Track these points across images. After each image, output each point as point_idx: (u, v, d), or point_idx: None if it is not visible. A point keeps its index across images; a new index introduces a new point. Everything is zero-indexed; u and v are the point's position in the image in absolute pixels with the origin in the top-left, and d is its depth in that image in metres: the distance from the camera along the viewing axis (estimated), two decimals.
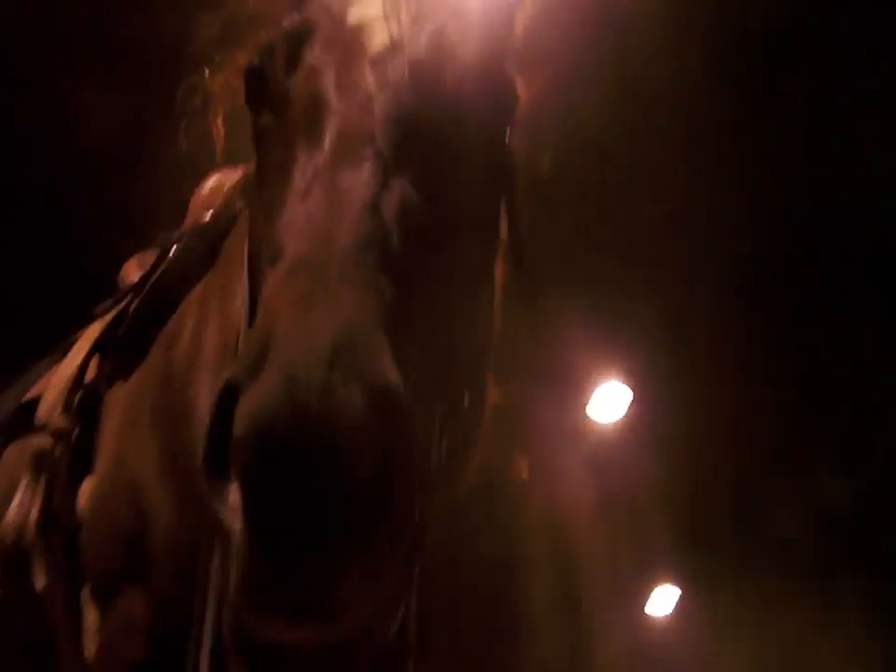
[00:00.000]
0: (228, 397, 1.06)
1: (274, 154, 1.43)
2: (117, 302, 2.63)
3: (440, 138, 1.37)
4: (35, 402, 2.50)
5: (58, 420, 2.25)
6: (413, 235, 1.26)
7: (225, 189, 2.62)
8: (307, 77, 1.40)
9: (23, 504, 2.16)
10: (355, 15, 1.44)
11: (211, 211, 2.53)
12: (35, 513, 2.14)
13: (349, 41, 1.41)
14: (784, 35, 5.55)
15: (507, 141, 1.56)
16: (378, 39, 1.40)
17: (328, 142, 1.30)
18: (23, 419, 2.50)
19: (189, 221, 2.70)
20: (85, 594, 2.06)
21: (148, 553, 1.92)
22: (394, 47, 1.39)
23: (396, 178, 1.28)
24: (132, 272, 2.98)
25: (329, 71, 1.38)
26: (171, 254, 2.41)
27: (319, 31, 1.44)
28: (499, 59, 1.53)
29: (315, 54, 1.42)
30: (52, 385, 2.46)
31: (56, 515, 2.15)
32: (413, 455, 1.05)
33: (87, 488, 2.15)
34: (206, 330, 2.06)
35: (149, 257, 3.01)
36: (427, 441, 1.27)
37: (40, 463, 2.19)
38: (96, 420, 2.24)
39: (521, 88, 1.55)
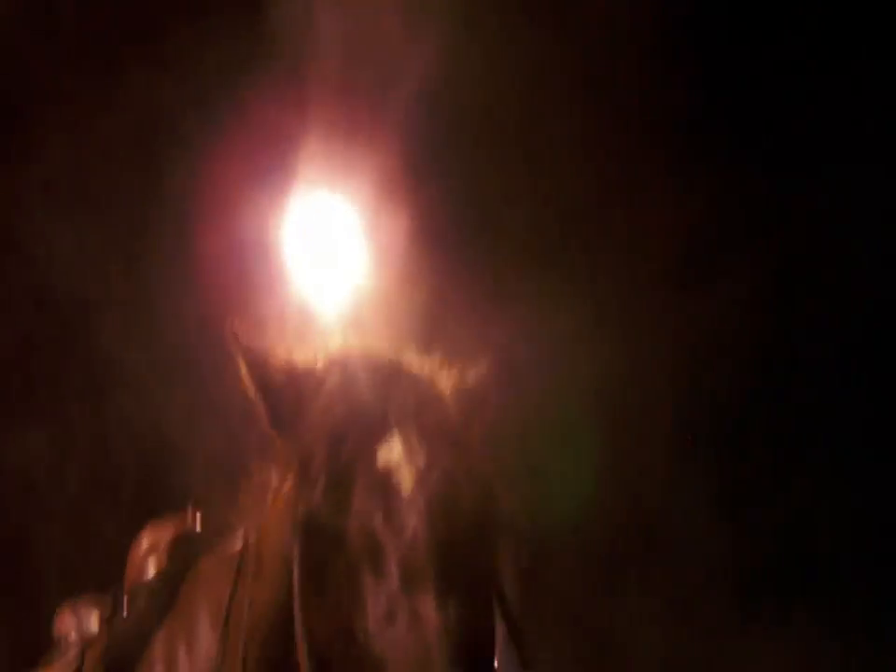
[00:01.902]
0: None
1: (333, 573, 1.84)
2: (63, 655, 2.83)
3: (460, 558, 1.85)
4: None
5: None
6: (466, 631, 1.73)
7: (161, 546, 2.96)
8: (361, 524, 1.84)
9: None
10: (383, 461, 1.92)
11: (153, 569, 2.85)
12: None
13: (384, 486, 1.88)
14: None
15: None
16: (407, 482, 1.88)
17: (394, 577, 1.75)
18: None
19: (130, 578, 3.00)
20: None
21: None
22: (420, 487, 1.87)
23: (449, 600, 1.74)
24: (67, 626, 3.20)
25: (378, 514, 1.84)
26: (127, 610, 2.70)
27: (358, 482, 1.89)
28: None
29: (362, 504, 1.86)
30: None
31: None
32: None
33: None
34: None
35: (85, 605, 3.26)
36: None
37: None
38: None
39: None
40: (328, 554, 1.87)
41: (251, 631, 2.26)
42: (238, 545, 2.58)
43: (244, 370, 2.17)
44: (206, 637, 2.41)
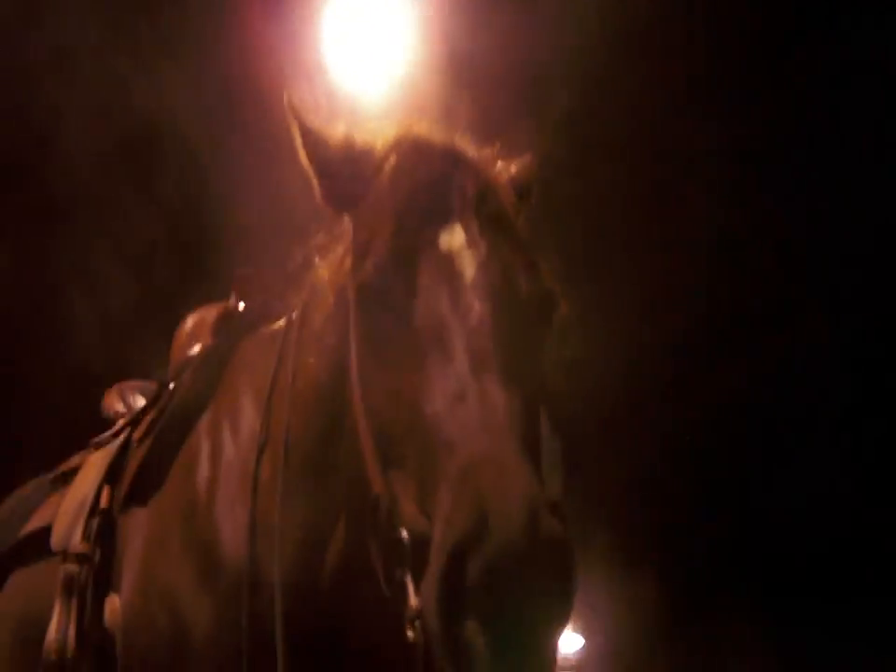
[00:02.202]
0: (458, 553, 1.49)
1: (399, 348, 1.84)
2: (116, 433, 2.89)
3: (522, 346, 1.85)
4: (44, 530, 2.73)
5: (80, 546, 2.50)
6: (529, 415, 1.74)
7: (207, 325, 2.96)
8: (427, 300, 1.83)
9: (61, 624, 2.40)
10: (445, 244, 1.89)
11: (199, 345, 2.85)
12: (72, 632, 2.39)
13: (448, 269, 1.86)
14: None
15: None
16: (470, 267, 1.86)
17: (461, 357, 1.74)
18: (34, 547, 2.73)
19: (175, 355, 3.02)
20: None
21: (188, 654, 2.21)
22: (482, 271, 1.85)
23: (511, 383, 1.72)
24: (114, 402, 3.26)
25: (444, 298, 1.82)
26: (174, 386, 2.72)
27: (421, 262, 1.87)
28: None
29: (426, 284, 1.85)
30: (62, 513, 2.70)
31: (89, 632, 2.41)
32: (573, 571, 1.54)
33: (112, 605, 2.42)
34: (222, 458, 2.39)
35: (132, 386, 3.31)
36: None
37: (70, 586, 2.45)
38: (114, 544, 2.53)
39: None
40: (390, 329, 1.87)
41: (295, 404, 2.27)
42: (281, 322, 2.57)
43: (300, 142, 2.15)
44: (250, 413, 2.43)
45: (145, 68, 5.75)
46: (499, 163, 2.22)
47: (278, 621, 2.09)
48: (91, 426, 3.20)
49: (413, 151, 2.09)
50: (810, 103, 6.27)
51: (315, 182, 2.15)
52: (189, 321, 3.05)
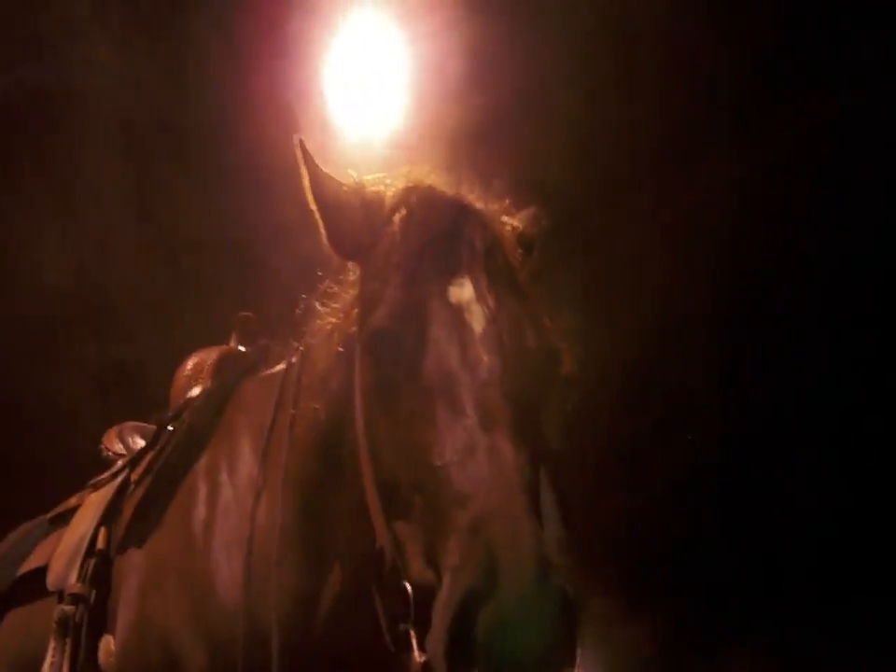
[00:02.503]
0: (467, 605, 1.50)
1: (406, 398, 1.85)
2: (114, 474, 2.91)
3: (529, 401, 1.87)
4: (40, 570, 2.74)
5: (76, 587, 2.51)
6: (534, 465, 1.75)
7: (207, 367, 2.99)
8: (438, 352, 1.85)
9: (54, 664, 2.41)
10: (455, 297, 1.92)
11: (199, 387, 2.88)
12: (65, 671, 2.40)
13: (459, 321, 1.88)
14: None
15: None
16: (479, 321, 1.88)
17: (470, 411, 1.76)
18: (31, 586, 2.74)
19: (175, 397, 3.04)
20: None
21: None
22: (491, 325, 1.88)
23: (520, 438, 1.75)
24: (113, 442, 3.28)
25: (454, 351, 1.84)
26: (173, 428, 2.74)
27: (432, 314, 1.90)
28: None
29: (437, 335, 1.87)
30: (59, 554, 2.71)
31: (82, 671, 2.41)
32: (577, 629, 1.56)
33: (107, 644, 2.42)
34: (219, 501, 2.41)
35: (131, 427, 3.34)
36: None
37: (65, 626, 2.45)
38: (109, 585, 2.53)
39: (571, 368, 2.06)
40: (399, 379, 1.88)
41: (293, 449, 2.29)
42: (281, 366, 2.60)
43: (308, 185, 2.16)
44: (248, 456, 2.45)
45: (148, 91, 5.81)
46: (506, 217, 2.25)
47: (275, 665, 2.10)
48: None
49: (423, 203, 2.12)
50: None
51: (321, 227, 2.16)
52: (189, 363, 3.07)
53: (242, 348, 3.13)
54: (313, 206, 2.16)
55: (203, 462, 2.53)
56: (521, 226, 2.29)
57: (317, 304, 2.33)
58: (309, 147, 2.17)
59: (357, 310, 2.12)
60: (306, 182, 2.16)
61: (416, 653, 1.61)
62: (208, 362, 3.00)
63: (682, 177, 6.40)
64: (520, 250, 2.20)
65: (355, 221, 2.15)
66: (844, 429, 7.68)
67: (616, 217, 6.30)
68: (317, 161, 2.18)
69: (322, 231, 2.17)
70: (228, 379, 2.77)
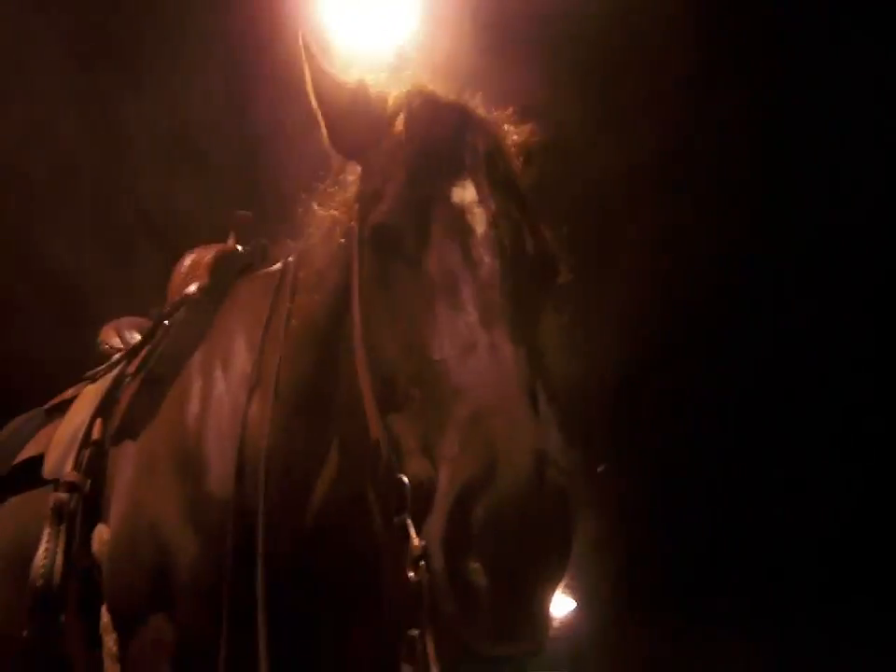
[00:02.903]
0: (466, 494, 1.53)
1: (406, 293, 1.88)
2: (111, 367, 2.93)
3: (527, 303, 1.90)
4: (36, 459, 2.78)
5: (71, 475, 2.55)
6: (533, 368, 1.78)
7: (204, 264, 2.98)
8: (439, 250, 1.87)
9: (49, 550, 2.46)
10: (458, 198, 1.93)
11: (196, 285, 2.88)
12: (59, 558, 2.45)
13: (461, 222, 1.89)
14: None
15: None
16: (481, 223, 1.89)
17: (471, 309, 1.78)
18: (27, 474, 2.78)
19: (172, 294, 3.04)
20: (105, 624, 2.38)
21: (173, 583, 2.25)
22: (492, 228, 1.89)
23: (518, 336, 1.77)
24: (110, 336, 3.29)
25: (456, 250, 1.86)
26: (168, 323, 2.75)
27: (435, 213, 1.91)
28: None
29: (439, 234, 1.89)
30: (56, 444, 2.75)
31: (76, 559, 2.46)
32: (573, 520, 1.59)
33: (100, 533, 2.47)
34: (213, 394, 2.43)
35: (128, 322, 3.35)
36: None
37: (59, 514, 2.50)
38: (104, 475, 2.57)
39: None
40: (400, 274, 1.90)
41: (288, 345, 2.31)
42: (278, 265, 2.59)
43: (311, 83, 2.15)
44: (242, 352, 2.46)
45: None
46: (508, 126, 2.25)
47: (260, 554, 2.14)
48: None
49: (426, 105, 2.12)
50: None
51: (323, 125, 2.16)
52: (187, 260, 3.06)
53: (239, 247, 3.11)
54: (315, 104, 2.15)
55: (197, 357, 2.54)
56: (522, 135, 2.28)
57: (316, 205, 2.32)
58: (313, 42, 2.15)
59: (357, 205, 2.12)
60: (309, 80, 2.14)
61: (415, 540, 1.63)
62: (205, 259, 2.98)
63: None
64: (520, 158, 2.20)
65: (357, 121, 2.15)
66: (843, 429, 7.76)
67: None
68: (321, 56, 2.16)
69: (323, 129, 2.16)
70: (224, 276, 2.77)
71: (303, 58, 2.15)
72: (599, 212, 6.12)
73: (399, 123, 2.11)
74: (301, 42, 2.15)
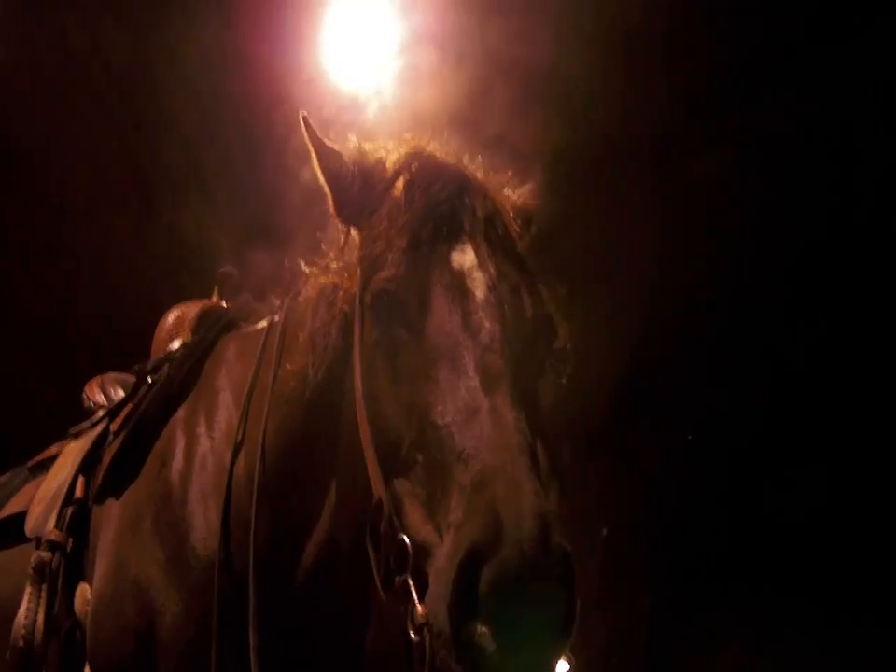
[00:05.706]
0: (472, 559, 1.54)
1: (408, 357, 1.90)
2: (94, 424, 2.94)
3: (528, 365, 1.94)
4: (19, 516, 2.78)
5: (53, 533, 2.54)
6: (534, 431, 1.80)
7: (188, 320, 3.01)
8: (440, 314, 1.90)
9: (30, 610, 2.44)
10: (458, 262, 1.97)
11: (179, 341, 2.90)
12: (41, 618, 2.44)
13: (461, 286, 1.93)
14: None
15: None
16: (481, 287, 1.93)
17: (473, 373, 1.80)
18: (9, 532, 2.78)
19: (155, 349, 3.06)
20: None
21: (156, 642, 2.25)
22: (492, 292, 1.93)
23: (520, 400, 1.79)
24: (94, 393, 3.30)
25: (457, 315, 1.89)
26: (151, 380, 2.77)
27: (435, 278, 1.95)
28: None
29: (440, 299, 1.92)
30: (38, 501, 2.74)
31: (58, 619, 2.45)
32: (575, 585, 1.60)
33: (83, 592, 2.47)
34: (197, 452, 2.44)
35: (113, 378, 3.36)
36: None
37: (41, 573, 2.49)
38: (87, 533, 2.57)
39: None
40: (402, 337, 1.93)
41: (275, 405, 2.32)
42: (263, 323, 2.62)
43: (314, 158, 2.22)
44: (227, 410, 2.48)
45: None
46: (506, 189, 2.30)
47: (252, 612, 2.14)
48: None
49: (424, 169, 2.16)
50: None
51: (329, 196, 2.22)
52: (170, 316, 3.08)
53: (223, 304, 3.14)
54: (321, 180, 2.23)
55: (181, 414, 2.56)
56: (520, 198, 2.33)
57: (313, 269, 2.36)
58: (312, 118, 2.23)
59: (359, 271, 2.15)
60: (314, 158, 2.22)
61: (418, 604, 1.64)
62: (189, 316, 3.01)
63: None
64: (518, 220, 2.24)
65: (358, 189, 2.21)
66: (844, 429, 7.77)
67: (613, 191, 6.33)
68: (321, 131, 2.24)
69: (329, 201, 2.23)
70: (208, 333, 2.79)
71: (305, 135, 2.22)
72: (600, 212, 6.17)
73: (399, 187, 2.15)
74: (301, 120, 2.22)
